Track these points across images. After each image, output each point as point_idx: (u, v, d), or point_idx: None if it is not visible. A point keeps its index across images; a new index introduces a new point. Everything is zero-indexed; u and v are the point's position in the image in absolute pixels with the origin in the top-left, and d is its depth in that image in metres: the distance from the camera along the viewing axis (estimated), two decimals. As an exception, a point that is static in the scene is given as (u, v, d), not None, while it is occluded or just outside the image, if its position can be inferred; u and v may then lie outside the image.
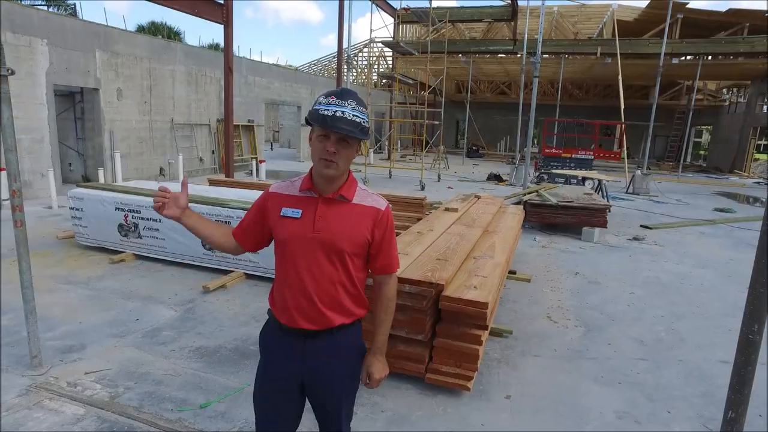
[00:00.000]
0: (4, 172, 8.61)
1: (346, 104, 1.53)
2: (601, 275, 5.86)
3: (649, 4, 20.89)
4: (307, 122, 1.58)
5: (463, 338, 3.09)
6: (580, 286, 5.44)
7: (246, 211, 1.75)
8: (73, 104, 11.46)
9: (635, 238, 7.85)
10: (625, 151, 17.47)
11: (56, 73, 9.76)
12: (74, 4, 20.62)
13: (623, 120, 17.21)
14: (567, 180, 12.07)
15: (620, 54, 17.98)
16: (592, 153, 16.69)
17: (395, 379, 3.21)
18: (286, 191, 1.69)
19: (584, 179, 11.92)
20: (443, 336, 3.14)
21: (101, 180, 10.05)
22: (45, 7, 18.42)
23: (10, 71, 2.69)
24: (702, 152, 33.03)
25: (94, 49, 10.57)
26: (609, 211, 7.98)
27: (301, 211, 1.63)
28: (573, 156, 16.15)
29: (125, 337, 3.75)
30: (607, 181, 11.40)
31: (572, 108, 27.25)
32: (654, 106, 14.15)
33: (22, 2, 18.52)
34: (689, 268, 6.35)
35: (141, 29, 27.11)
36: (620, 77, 17.53)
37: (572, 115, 25.16)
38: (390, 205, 1.75)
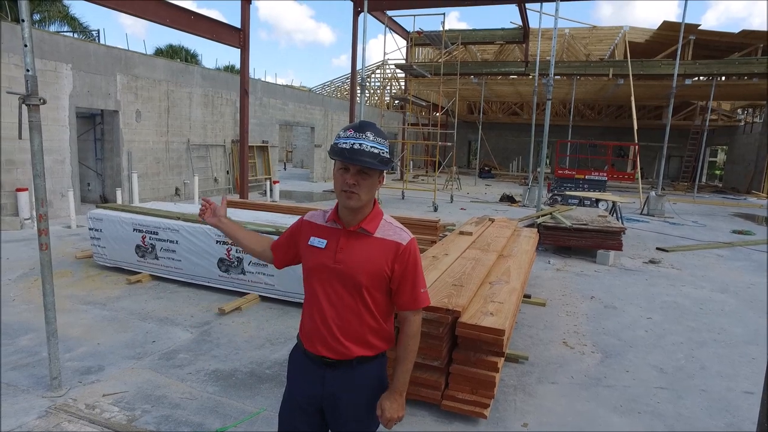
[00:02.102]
0: (25, 192, 8.83)
1: (364, 136, 1.56)
2: (618, 299, 5.79)
3: (660, 26, 20.99)
4: (330, 156, 1.64)
5: (479, 365, 3.07)
6: (596, 310, 5.38)
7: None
8: (94, 126, 11.75)
9: (651, 261, 7.75)
10: (639, 172, 17.38)
11: (79, 96, 10.04)
12: (98, 30, 21.27)
13: (636, 140, 17.15)
14: (581, 201, 12.01)
15: (632, 75, 18.02)
16: (605, 174, 16.62)
17: (411, 405, 3.19)
18: (317, 221, 1.76)
19: (598, 201, 11.85)
20: (459, 362, 3.12)
21: (119, 200, 10.23)
22: (71, 34, 19.05)
23: (41, 101, 2.78)
24: (717, 172, 32.69)
25: (115, 73, 10.86)
26: (624, 234, 7.92)
27: (326, 241, 1.69)
28: (586, 177, 16.09)
29: (142, 359, 3.78)
30: (621, 202, 11.32)
31: (584, 128, 27.24)
32: (668, 127, 14.12)
33: (50, 29, 19.17)
34: (708, 293, 6.24)
35: (159, 52, 27.81)
36: (633, 98, 17.55)
37: (584, 135, 25.16)
38: (415, 240, 1.75)
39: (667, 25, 20.30)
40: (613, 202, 11.20)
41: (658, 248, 8.88)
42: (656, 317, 5.23)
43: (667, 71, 17.95)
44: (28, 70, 2.91)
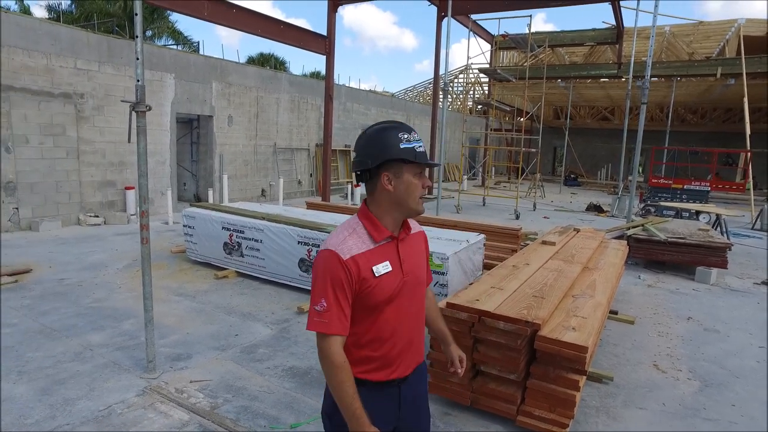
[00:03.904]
0: (132, 191, 9.72)
1: (419, 138, 1.54)
2: (721, 323, 5.24)
3: (783, 17, 18.76)
4: (390, 161, 1.47)
5: (558, 382, 2.91)
6: (694, 333, 4.90)
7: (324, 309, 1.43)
8: (191, 130, 12.71)
9: (764, 283, 6.94)
10: (751, 182, 15.66)
11: (179, 103, 10.92)
12: (198, 42, 23.06)
13: (749, 147, 15.49)
14: (678, 213, 11.06)
15: (747, 74, 16.29)
16: (708, 184, 15.19)
17: (484, 418, 3.09)
18: (363, 248, 1.49)
19: (698, 213, 10.85)
20: (537, 377, 2.98)
21: (210, 199, 10.97)
22: (175, 46, 20.82)
23: (148, 107, 3.04)
24: None
25: (211, 81, 11.68)
26: (730, 250, 7.16)
27: (388, 261, 1.52)
28: (685, 187, 14.81)
29: (226, 350, 4.00)
30: (728, 215, 10.26)
31: (684, 134, 25.09)
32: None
33: (159, 43, 21.10)
34: (833, 322, 5.47)
35: (251, 60, 29.54)
36: (746, 99, 15.87)
37: (684, 142, 23.18)
38: None
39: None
40: (717, 215, 10.18)
41: (771, 268, 7.94)
42: None
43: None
44: (138, 81, 3.20)
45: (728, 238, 8.83)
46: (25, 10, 20.34)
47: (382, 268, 1.49)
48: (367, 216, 1.54)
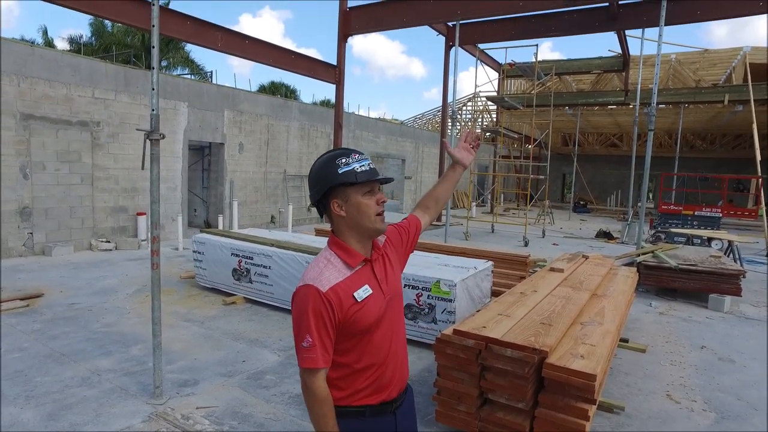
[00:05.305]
0: (143, 217, 9.85)
1: (365, 156, 1.56)
2: (736, 352, 5.13)
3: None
4: (333, 188, 1.50)
5: (567, 411, 2.86)
6: (709, 362, 4.80)
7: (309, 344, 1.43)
8: (202, 157, 12.94)
9: (778, 310, 6.81)
10: (764, 208, 15.50)
11: (192, 130, 11.15)
12: (211, 72, 23.68)
13: (760, 173, 15.40)
14: (689, 240, 10.96)
15: (755, 100, 16.33)
16: (719, 210, 15.05)
17: (492, 449, 3.03)
18: (340, 277, 1.48)
19: (710, 239, 10.74)
20: (546, 406, 2.93)
21: (220, 225, 11.07)
22: (189, 75, 21.39)
23: (162, 136, 3.13)
24: None
25: (223, 109, 11.95)
26: (743, 277, 7.05)
27: (367, 285, 1.52)
28: (695, 213, 14.67)
29: (233, 377, 3.99)
30: (740, 242, 10.14)
31: (693, 160, 25.04)
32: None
33: (174, 72, 21.68)
34: None
35: (263, 89, 30.20)
36: (755, 125, 15.86)
37: (693, 168, 23.11)
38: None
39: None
40: (729, 242, 10.07)
41: (786, 296, 7.79)
42: (785, 375, 4.55)
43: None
44: (153, 110, 3.30)
45: (741, 265, 8.70)
46: (49, 43, 21.11)
47: (363, 292, 1.49)
48: (337, 244, 1.55)
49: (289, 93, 29.97)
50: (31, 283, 6.52)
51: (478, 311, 3.77)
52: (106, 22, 20.16)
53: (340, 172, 1.48)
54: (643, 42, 14.00)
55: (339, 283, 1.46)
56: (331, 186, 1.49)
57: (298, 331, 1.45)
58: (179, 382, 3.82)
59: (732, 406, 3.87)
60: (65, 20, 64.25)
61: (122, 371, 3.98)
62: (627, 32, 16.29)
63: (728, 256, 9.14)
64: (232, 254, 6.17)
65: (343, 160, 1.49)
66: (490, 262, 5.72)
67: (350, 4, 11.35)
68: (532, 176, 15.34)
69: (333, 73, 11.40)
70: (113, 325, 5.12)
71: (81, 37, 22.03)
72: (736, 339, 5.55)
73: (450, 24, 14.12)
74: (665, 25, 8.37)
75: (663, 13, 8.20)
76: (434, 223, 15.73)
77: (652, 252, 8.01)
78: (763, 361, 4.90)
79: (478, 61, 16.75)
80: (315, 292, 1.43)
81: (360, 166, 1.49)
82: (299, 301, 1.46)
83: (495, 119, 24.61)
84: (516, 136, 21.80)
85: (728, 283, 6.88)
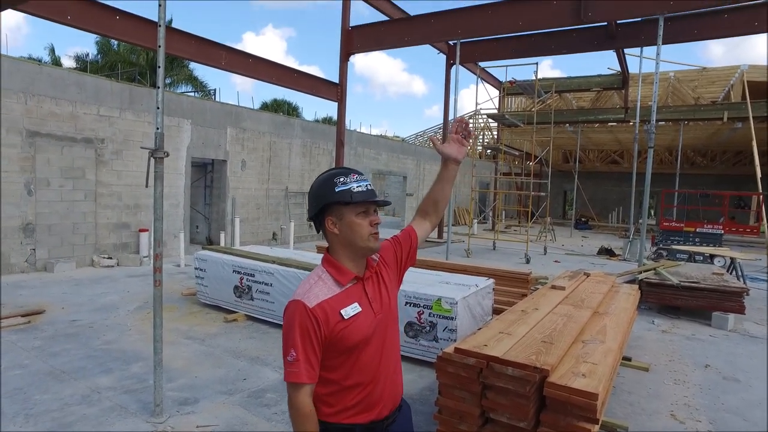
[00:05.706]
0: (146, 233, 9.88)
1: (363, 177, 1.58)
2: (741, 371, 5.08)
3: (787, 63, 19.10)
4: (329, 205, 1.53)
5: (569, 430, 2.84)
6: (713, 381, 4.76)
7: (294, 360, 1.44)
8: (205, 174, 13.02)
9: (782, 329, 6.77)
10: (766, 225, 15.49)
11: (195, 147, 11.25)
12: (214, 89, 23.98)
13: (761, 189, 15.44)
14: (691, 257, 10.93)
15: (754, 118, 16.44)
16: (721, 227, 15.05)
17: (494, 469, 3.00)
18: (329, 293, 1.51)
19: (713, 256, 10.71)
20: (547, 426, 2.90)
21: (222, 242, 11.09)
22: (192, 93, 21.65)
23: (166, 154, 3.18)
24: None
25: (226, 126, 12.06)
26: (747, 295, 7.02)
27: (356, 303, 1.53)
28: (697, 230, 14.66)
29: (233, 395, 3.97)
30: (743, 259, 10.11)
31: (694, 177, 25.10)
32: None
33: (178, 89, 21.95)
34: None
35: (265, 106, 30.48)
36: (754, 142, 15.94)
37: (694, 184, 23.16)
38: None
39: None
40: (732, 259, 10.05)
41: (790, 313, 7.74)
42: (790, 395, 4.51)
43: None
44: (158, 128, 3.35)
45: (744, 283, 8.67)
46: (56, 61, 21.43)
47: (351, 309, 1.51)
48: (329, 262, 1.58)
49: (291, 110, 30.25)
50: (32, 300, 6.52)
51: (479, 329, 3.76)
52: (112, 40, 20.51)
53: (336, 190, 1.51)
54: (641, 60, 14.16)
55: (327, 299, 1.48)
56: (326, 203, 1.53)
57: (285, 345, 1.47)
58: (179, 400, 3.81)
59: (737, 426, 3.83)
60: (72, 39, 65.33)
61: (122, 389, 3.96)
62: (626, 50, 16.49)
63: (731, 274, 9.11)
64: (233, 271, 6.17)
65: (342, 179, 1.53)
66: (492, 280, 5.72)
67: (352, 23, 11.54)
68: (533, 193, 15.38)
69: (335, 91, 11.52)
70: (114, 342, 5.11)
71: (87, 55, 22.41)
72: (741, 358, 5.51)
73: (451, 43, 14.30)
74: (663, 43, 8.48)
75: (660, 32, 8.32)
76: (436, 240, 15.72)
77: (654, 269, 7.99)
78: (764, 380, 4.86)
79: (479, 79, 16.92)
80: (302, 307, 1.45)
81: (357, 186, 1.52)
82: (287, 316, 1.49)
83: (496, 136, 24.77)
84: (517, 153, 21.90)
85: (731, 300, 6.85)
